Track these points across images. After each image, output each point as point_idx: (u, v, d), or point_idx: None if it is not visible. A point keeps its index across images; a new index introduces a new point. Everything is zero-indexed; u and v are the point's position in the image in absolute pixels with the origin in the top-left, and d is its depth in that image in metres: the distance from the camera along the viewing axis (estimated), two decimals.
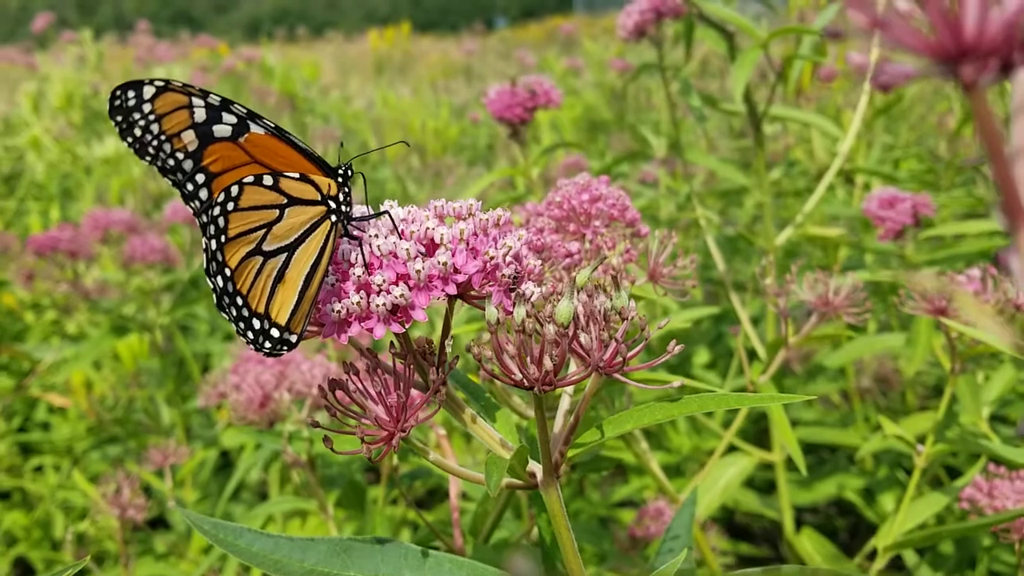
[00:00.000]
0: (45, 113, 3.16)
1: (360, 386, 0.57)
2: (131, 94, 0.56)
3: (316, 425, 0.59)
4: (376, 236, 0.57)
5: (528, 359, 0.52)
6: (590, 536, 1.27)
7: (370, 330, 0.55)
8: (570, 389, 0.67)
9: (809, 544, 1.26)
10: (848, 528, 1.96)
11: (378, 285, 0.54)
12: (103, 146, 2.69)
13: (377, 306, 0.54)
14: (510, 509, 1.34)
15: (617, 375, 0.55)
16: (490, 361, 0.54)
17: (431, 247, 0.57)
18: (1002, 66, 0.29)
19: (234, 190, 0.57)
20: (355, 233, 0.59)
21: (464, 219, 0.59)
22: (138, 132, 0.57)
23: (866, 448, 1.39)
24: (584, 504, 1.76)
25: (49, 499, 1.94)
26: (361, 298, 0.54)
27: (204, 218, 0.58)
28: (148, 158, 0.58)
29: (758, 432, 1.92)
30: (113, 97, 0.57)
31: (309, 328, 0.60)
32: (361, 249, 0.57)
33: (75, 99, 3.13)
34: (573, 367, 0.58)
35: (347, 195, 0.60)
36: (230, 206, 0.57)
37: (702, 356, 2.04)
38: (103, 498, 1.17)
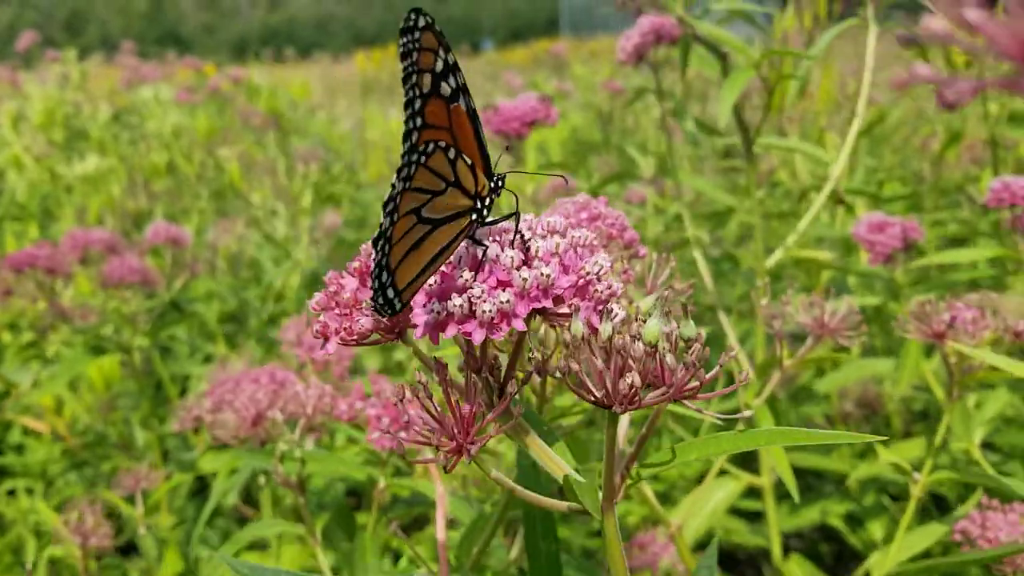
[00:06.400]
0: (25, 132, 3.13)
1: (433, 397, 0.57)
2: (413, 16, 0.57)
3: (388, 435, 0.58)
4: (486, 242, 0.58)
5: (613, 376, 0.52)
6: (578, 567, 1.25)
7: (468, 334, 0.55)
8: (627, 415, 0.65)
9: (798, 570, 1.24)
10: (833, 554, 1.94)
11: (479, 293, 0.55)
12: (83, 164, 2.66)
13: (484, 311, 0.54)
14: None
15: (687, 401, 0.54)
16: (573, 377, 0.53)
17: (527, 259, 0.58)
18: None
19: (430, 147, 0.58)
20: (479, 239, 0.60)
21: (559, 235, 0.59)
22: (408, 56, 0.58)
23: (856, 475, 1.38)
24: (569, 532, 1.74)
25: (20, 523, 1.89)
26: (464, 301, 0.55)
27: (404, 159, 0.59)
28: (405, 83, 0.59)
29: (744, 456, 1.90)
30: (406, 18, 0.58)
31: (387, 332, 0.60)
32: (477, 255, 0.58)
33: (56, 118, 3.10)
34: (662, 389, 0.57)
35: (491, 202, 0.61)
36: (422, 159, 0.58)
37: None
38: (66, 525, 1.14)
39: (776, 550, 1.26)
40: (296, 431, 1.05)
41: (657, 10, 1.22)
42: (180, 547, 1.72)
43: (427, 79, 0.58)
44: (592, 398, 0.52)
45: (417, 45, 0.58)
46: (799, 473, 1.94)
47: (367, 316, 0.60)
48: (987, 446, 1.68)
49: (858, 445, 1.82)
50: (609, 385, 0.51)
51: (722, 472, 1.29)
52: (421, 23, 0.58)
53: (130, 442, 2.09)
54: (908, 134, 2.99)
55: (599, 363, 0.52)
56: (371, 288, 0.58)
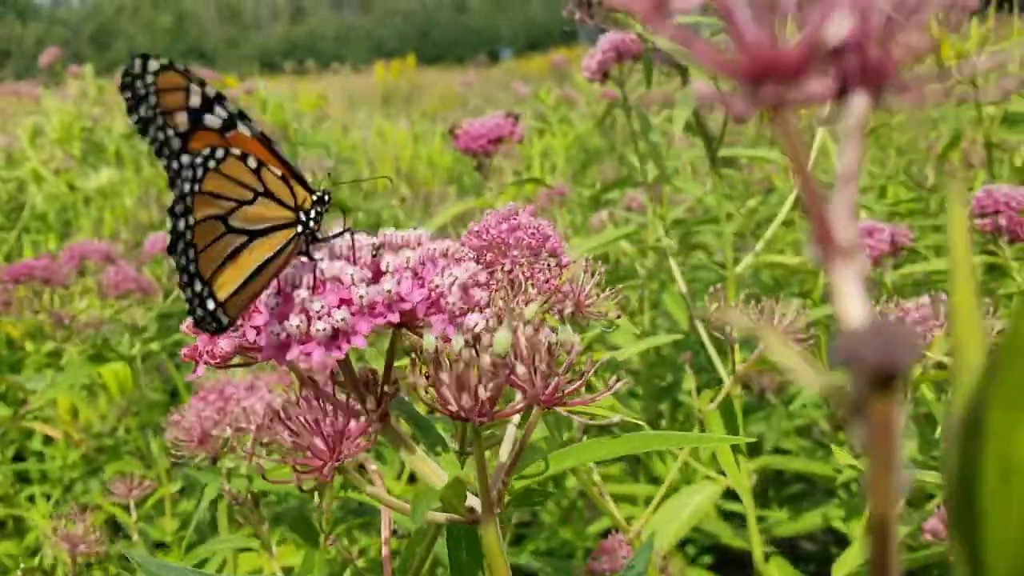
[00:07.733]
0: (43, 146, 3.20)
1: (299, 415, 0.56)
2: (138, 63, 0.56)
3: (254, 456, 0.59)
4: (323, 260, 0.57)
5: (463, 390, 0.50)
6: (554, 570, 1.27)
7: (308, 354, 0.54)
8: (516, 419, 0.65)
9: (777, 572, 1.25)
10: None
11: (317, 311, 0.54)
12: (97, 177, 2.73)
13: (318, 330, 0.53)
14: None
15: (558, 408, 0.54)
16: (426, 391, 0.53)
17: (377, 274, 0.57)
18: (838, 91, 0.28)
19: (219, 153, 0.57)
20: (313, 255, 0.59)
21: (412, 248, 0.59)
22: (141, 103, 0.56)
23: (841, 478, 1.38)
24: (571, 534, 1.76)
25: (37, 528, 1.94)
26: (301, 321, 0.54)
27: (180, 180, 0.57)
28: (148, 136, 0.57)
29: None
30: (124, 73, 0.56)
31: (251, 354, 0.60)
32: (313, 272, 0.56)
33: (74, 132, 3.17)
34: (520, 399, 0.57)
35: (318, 216, 0.60)
36: (212, 164, 0.57)
37: (689, 382, 2.03)
38: (54, 533, 1.13)
39: (757, 552, 1.27)
40: (247, 445, 1.04)
41: (616, 26, 1.25)
42: (180, 551, 1.76)
43: (180, 117, 0.57)
44: (449, 412, 0.51)
45: (152, 89, 0.56)
46: (802, 477, 1.94)
47: (227, 339, 0.58)
48: None
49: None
50: (463, 399, 0.50)
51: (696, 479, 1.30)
52: (153, 67, 0.55)
53: (146, 449, 2.13)
54: (915, 136, 2.98)
55: (447, 378, 0.51)
56: (185, 299, 0.56)
